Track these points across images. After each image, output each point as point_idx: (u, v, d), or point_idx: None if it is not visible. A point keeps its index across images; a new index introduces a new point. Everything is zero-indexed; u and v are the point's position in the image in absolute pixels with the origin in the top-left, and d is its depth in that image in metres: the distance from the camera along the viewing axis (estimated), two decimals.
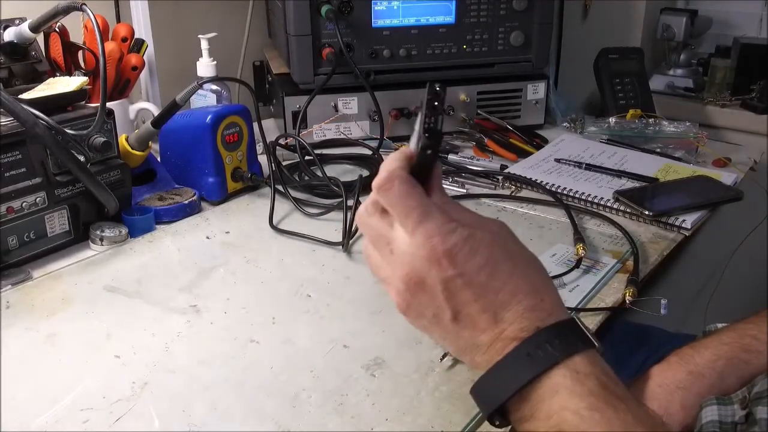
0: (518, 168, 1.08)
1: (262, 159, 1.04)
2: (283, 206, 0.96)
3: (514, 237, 0.48)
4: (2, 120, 0.75)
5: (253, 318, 0.70)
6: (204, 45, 1.17)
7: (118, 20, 1.21)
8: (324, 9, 1.13)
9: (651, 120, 1.23)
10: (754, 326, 0.63)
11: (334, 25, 1.14)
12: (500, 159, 1.14)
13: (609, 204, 0.96)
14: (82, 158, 0.80)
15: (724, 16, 1.65)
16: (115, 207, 0.83)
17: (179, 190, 0.97)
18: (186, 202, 0.93)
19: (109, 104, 0.89)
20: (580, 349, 0.44)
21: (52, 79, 0.91)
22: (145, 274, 0.79)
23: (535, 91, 1.29)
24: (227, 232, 0.90)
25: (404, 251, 0.46)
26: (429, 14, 1.20)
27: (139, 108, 1.17)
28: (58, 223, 0.82)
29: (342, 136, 1.22)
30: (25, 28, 0.90)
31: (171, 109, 0.92)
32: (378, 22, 1.18)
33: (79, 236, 0.84)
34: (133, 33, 1.13)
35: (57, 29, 1.00)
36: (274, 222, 0.92)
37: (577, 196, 0.98)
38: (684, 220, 0.91)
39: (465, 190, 1.03)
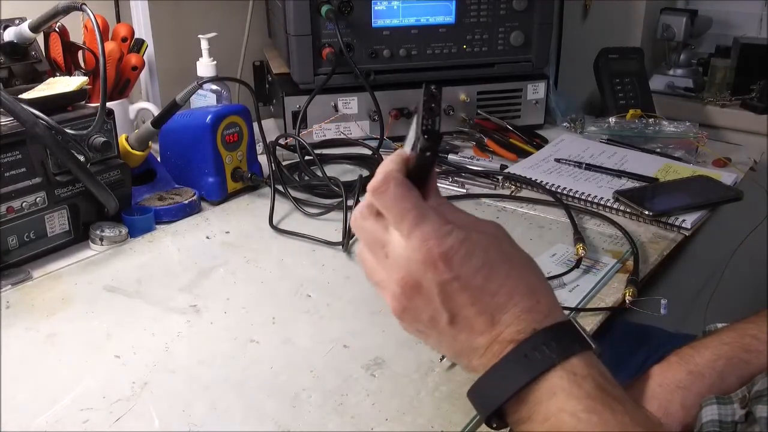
0: (518, 168, 1.08)
1: (262, 159, 1.04)
2: (283, 206, 0.96)
3: (510, 239, 0.48)
4: (2, 120, 0.75)
5: (253, 318, 0.70)
6: (204, 45, 1.17)
7: (118, 20, 1.21)
8: (324, 9, 1.13)
9: (651, 120, 1.23)
10: (754, 326, 0.62)
11: (334, 25, 1.14)
12: (500, 159, 1.14)
13: (609, 204, 0.96)
14: (82, 158, 0.80)
15: (724, 16, 1.65)
16: (115, 207, 0.83)
17: (179, 190, 0.97)
18: (186, 202, 0.93)
19: (109, 104, 0.89)
20: (577, 350, 0.44)
21: (52, 79, 0.91)
22: (145, 274, 0.79)
23: (535, 91, 1.29)
24: (227, 232, 0.90)
25: (400, 255, 0.46)
26: (429, 14, 1.20)
27: (139, 108, 1.17)
28: (58, 223, 0.82)
29: (342, 136, 1.22)
30: (25, 28, 0.90)
31: (171, 109, 0.92)
32: (378, 22, 1.18)
33: (79, 236, 0.84)
34: (133, 33, 1.13)
35: (57, 29, 1.00)
36: (274, 222, 0.92)
37: (577, 196, 0.98)
38: (684, 220, 0.91)
39: (465, 190, 1.03)
